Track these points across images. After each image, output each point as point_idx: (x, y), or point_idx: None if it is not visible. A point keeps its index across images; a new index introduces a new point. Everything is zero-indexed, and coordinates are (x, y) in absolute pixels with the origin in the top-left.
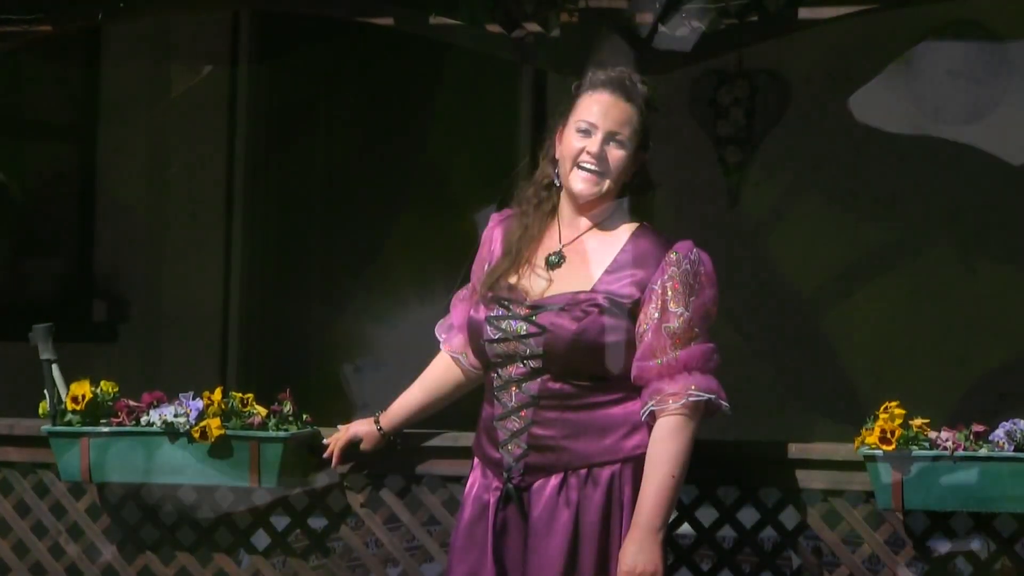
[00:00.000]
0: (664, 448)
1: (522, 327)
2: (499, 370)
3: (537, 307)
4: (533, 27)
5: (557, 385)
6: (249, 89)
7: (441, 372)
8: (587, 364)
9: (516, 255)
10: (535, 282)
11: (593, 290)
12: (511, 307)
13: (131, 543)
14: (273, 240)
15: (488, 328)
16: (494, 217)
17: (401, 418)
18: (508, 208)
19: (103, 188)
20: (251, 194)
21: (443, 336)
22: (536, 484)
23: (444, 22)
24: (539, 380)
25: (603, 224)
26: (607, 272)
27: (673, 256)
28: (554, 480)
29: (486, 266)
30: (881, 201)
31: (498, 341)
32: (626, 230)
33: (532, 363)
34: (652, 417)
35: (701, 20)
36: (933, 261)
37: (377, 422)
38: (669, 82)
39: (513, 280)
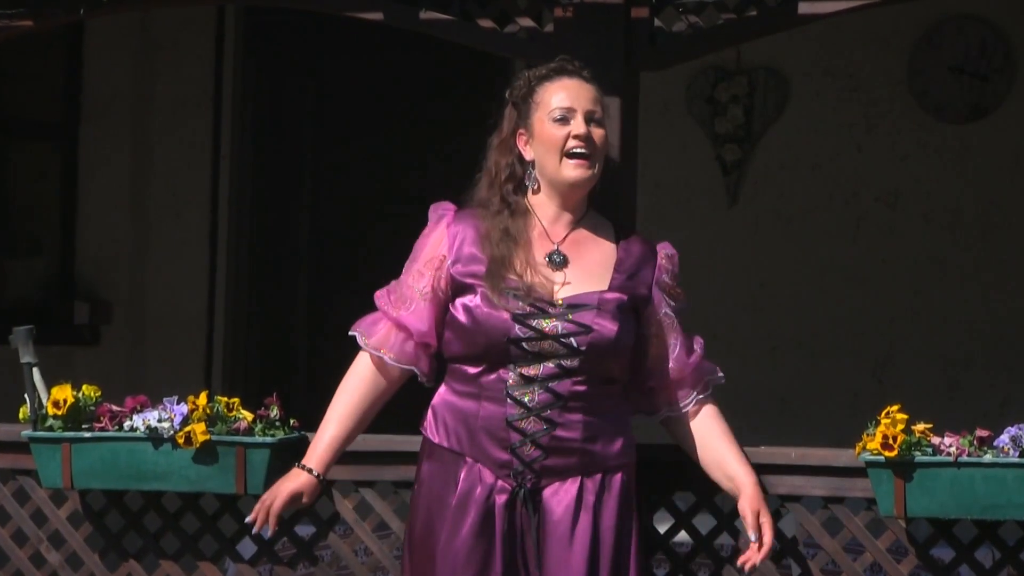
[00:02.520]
0: (724, 422)
1: (559, 326)
2: (518, 369)
3: (573, 306)
4: (526, 22)
5: (584, 387)
6: (235, 86)
7: (369, 388)
8: (614, 365)
9: (508, 257)
10: (547, 280)
11: (612, 290)
12: (537, 304)
13: (114, 551)
14: (259, 240)
15: (517, 326)
16: (449, 214)
17: (333, 455)
18: (467, 207)
19: (85, 187)
20: (237, 194)
21: (387, 344)
22: (550, 488)
23: (435, 17)
24: (569, 380)
25: (584, 221)
26: (616, 272)
27: (665, 254)
28: (571, 484)
29: (448, 263)
30: (882, 200)
31: (529, 340)
32: (608, 228)
33: (567, 362)
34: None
35: (698, 15)
36: (936, 261)
37: (310, 471)
38: (666, 78)
39: (519, 278)
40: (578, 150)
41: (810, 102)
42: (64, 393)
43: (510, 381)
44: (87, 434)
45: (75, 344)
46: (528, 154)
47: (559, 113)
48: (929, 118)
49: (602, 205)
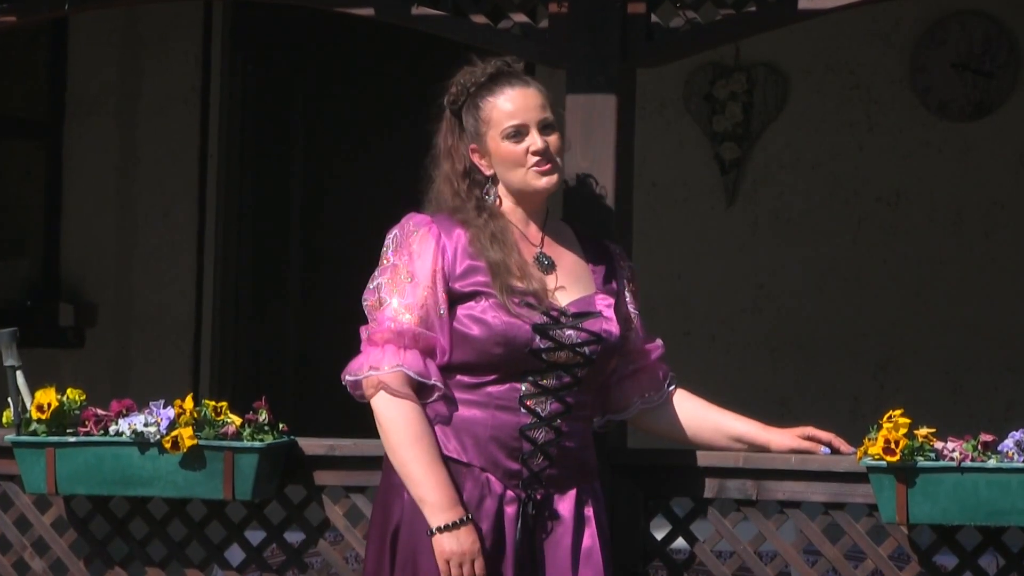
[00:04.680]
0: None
1: (573, 335)
2: (535, 379)
3: (579, 314)
4: (520, 18)
5: (586, 395)
6: (222, 83)
7: (424, 417)
8: (608, 370)
9: (504, 260)
10: (544, 285)
11: (599, 292)
12: (551, 313)
13: (99, 558)
14: (248, 241)
15: (538, 337)
16: (433, 225)
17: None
18: (440, 213)
19: (70, 186)
20: (225, 193)
21: (429, 371)
22: (555, 498)
23: (427, 12)
24: (576, 390)
25: (548, 225)
26: (593, 272)
27: (617, 250)
28: (572, 495)
29: (436, 276)
30: (884, 199)
31: (550, 351)
32: (567, 229)
33: (580, 372)
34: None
35: (696, 10)
36: (938, 262)
37: (466, 518)
38: (663, 75)
39: (524, 285)
40: (539, 163)
41: (810, 100)
42: (48, 397)
43: (523, 390)
44: (72, 439)
45: (59, 347)
46: (488, 170)
47: (511, 130)
48: (932, 116)
49: (597, 206)
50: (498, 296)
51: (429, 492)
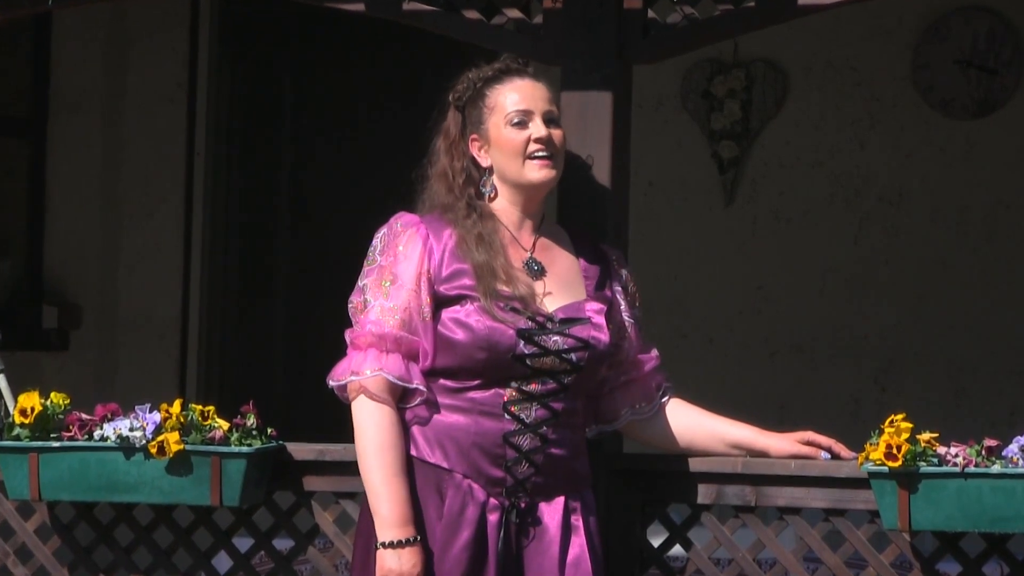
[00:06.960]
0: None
1: (559, 341)
2: (519, 384)
3: (567, 320)
4: (514, 13)
5: (574, 402)
6: (209, 80)
7: (397, 427)
8: (598, 378)
9: (490, 263)
10: (532, 290)
11: (591, 299)
12: (536, 319)
13: (84, 566)
14: (236, 241)
15: (522, 342)
16: (422, 226)
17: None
18: (430, 213)
19: (54, 186)
20: (212, 193)
21: (412, 376)
22: (540, 507)
23: (419, 8)
24: (563, 396)
25: (543, 227)
26: (586, 278)
27: (615, 255)
28: (558, 503)
29: (421, 279)
30: (886, 199)
31: (534, 356)
32: (563, 233)
33: (567, 378)
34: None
35: (694, 6)
36: (941, 263)
37: (414, 538)
38: (660, 72)
39: (507, 287)
40: (540, 153)
41: (810, 97)
42: (31, 401)
43: (507, 396)
44: (55, 444)
45: (43, 349)
46: (484, 161)
47: (516, 117)
48: (935, 113)
49: (594, 206)
50: (481, 299)
51: (383, 504)
